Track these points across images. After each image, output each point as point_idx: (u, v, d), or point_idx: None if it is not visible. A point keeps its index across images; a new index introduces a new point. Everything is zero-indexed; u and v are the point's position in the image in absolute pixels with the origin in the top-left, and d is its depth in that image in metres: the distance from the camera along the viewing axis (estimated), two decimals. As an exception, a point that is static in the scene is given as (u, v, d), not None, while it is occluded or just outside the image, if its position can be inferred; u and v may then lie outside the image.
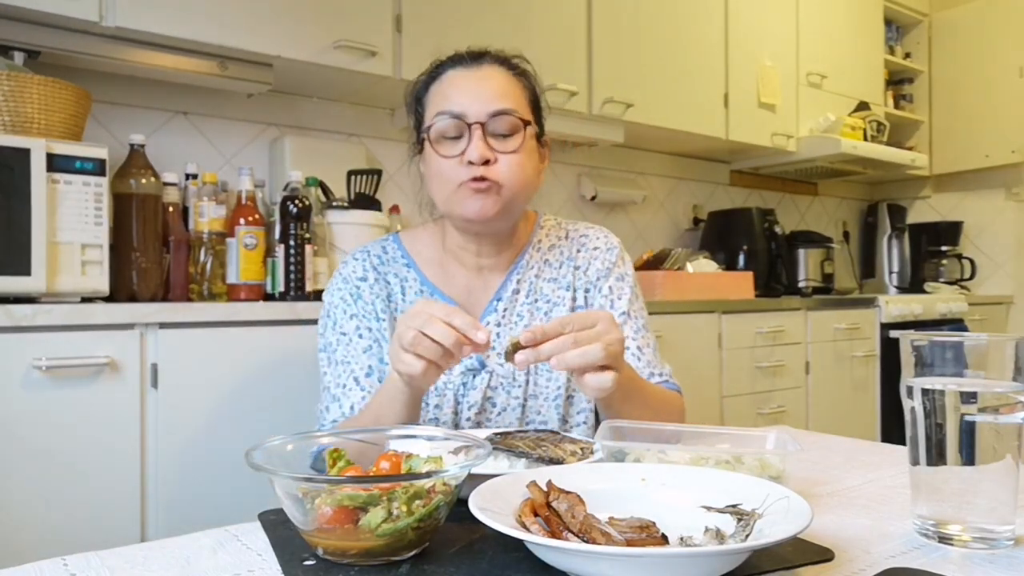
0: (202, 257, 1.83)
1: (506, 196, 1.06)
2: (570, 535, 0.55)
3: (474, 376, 1.11)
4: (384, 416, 0.93)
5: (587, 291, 1.19)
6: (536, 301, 1.16)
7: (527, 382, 1.12)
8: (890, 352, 3.16)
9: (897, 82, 4.07)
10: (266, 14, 1.86)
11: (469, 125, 1.05)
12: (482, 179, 1.04)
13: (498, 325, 1.14)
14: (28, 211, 1.43)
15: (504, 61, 1.12)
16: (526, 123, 1.08)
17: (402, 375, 0.86)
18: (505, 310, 1.15)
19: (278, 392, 1.62)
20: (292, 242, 1.86)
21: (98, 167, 1.53)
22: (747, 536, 0.56)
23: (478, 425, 1.10)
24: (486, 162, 1.04)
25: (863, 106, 3.56)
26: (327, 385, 1.12)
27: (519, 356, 0.81)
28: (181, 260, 1.79)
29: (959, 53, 3.95)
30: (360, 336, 1.12)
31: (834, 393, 3.01)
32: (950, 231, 4.01)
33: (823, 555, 0.59)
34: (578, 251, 1.21)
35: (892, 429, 3.19)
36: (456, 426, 1.10)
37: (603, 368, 0.83)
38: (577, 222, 1.26)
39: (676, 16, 2.81)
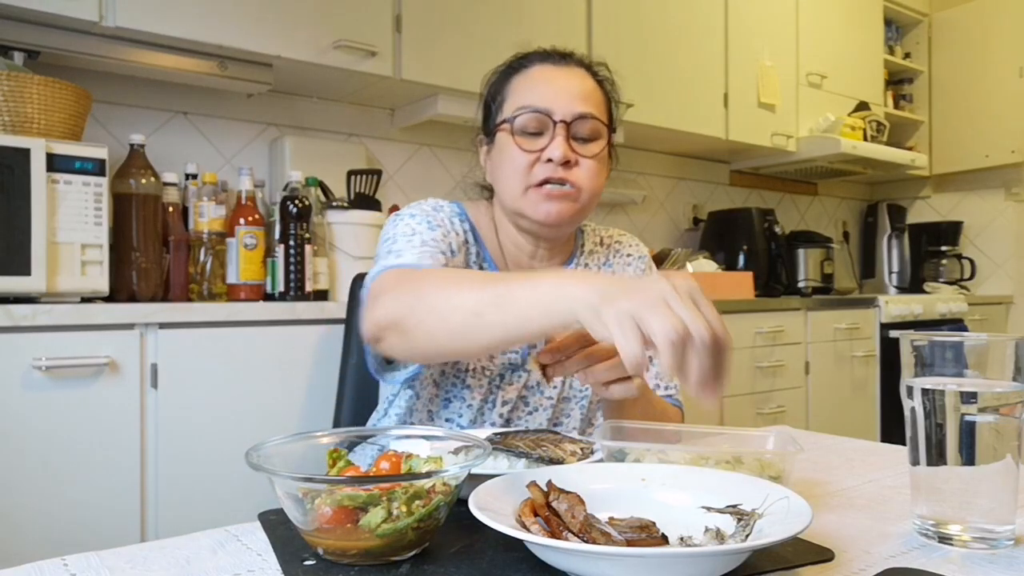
0: (202, 257, 1.83)
1: (581, 203, 1.05)
2: (570, 535, 0.55)
3: (513, 371, 1.09)
4: (513, 300, 0.72)
5: None
6: None
7: (563, 383, 1.12)
8: (890, 352, 3.16)
9: (897, 82, 4.07)
10: (266, 14, 1.86)
11: (554, 123, 1.03)
12: (561, 181, 1.02)
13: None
14: (28, 211, 1.43)
15: (588, 66, 1.11)
16: (609, 130, 1.08)
17: (603, 327, 0.63)
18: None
19: (278, 392, 1.63)
20: (292, 242, 1.86)
21: (98, 167, 1.53)
22: (747, 536, 0.56)
23: (508, 423, 1.09)
24: (565, 163, 1.02)
25: (863, 106, 3.56)
26: (391, 250, 1.00)
27: (549, 371, 0.82)
28: (181, 260, 1.79)
29: (959, 53, 3.95)
30: (435, 240, 1.02)
31: (834, 393, 3.01)
32: (950, 231, 4.01)
33: (823, 555, 0.58)
34: (613, 256, 1.22)
35: (892, 429, 3.19)
36: (481, 415, 1.09)
37: (628, 377, 0.82)
38: (609, 228, 1.26)
39: (676, 16, 2.81)
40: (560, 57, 1.10)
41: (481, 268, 1.11)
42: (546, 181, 1.02)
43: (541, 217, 1.04)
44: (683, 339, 0.58)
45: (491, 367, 1.08)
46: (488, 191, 1.16)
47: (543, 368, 0.82)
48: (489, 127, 1.12)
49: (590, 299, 0.65)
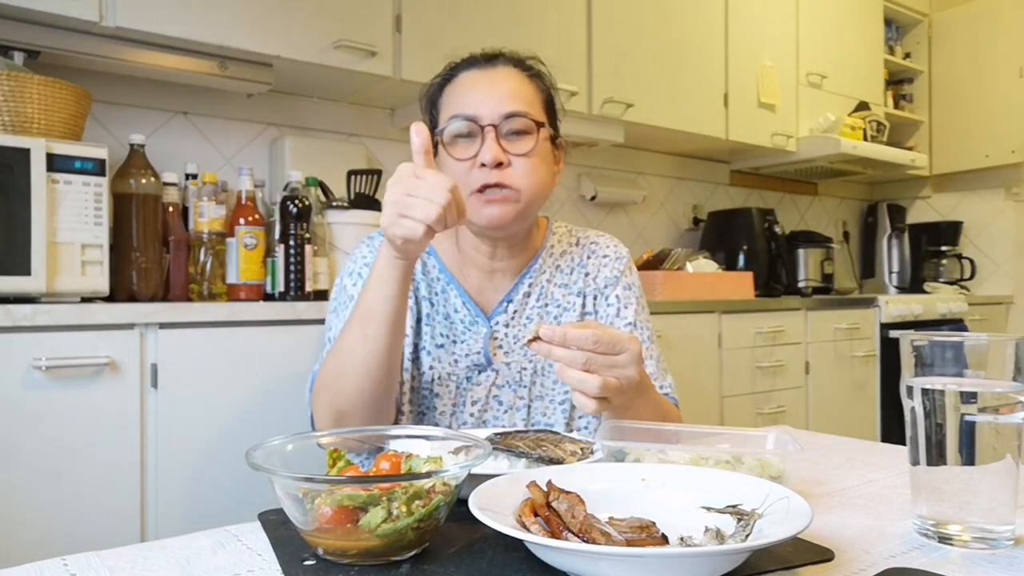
0: (202, 257, 1.83)
1: (522, 201, 1.06)
2: (570, 535, 0.55)
3: (479, 372, 1.11)
4: (375, 300, 0.92)
5: (595, 298, 1.19)
6: (547, 305, 1.17)
7: (532, 384, 1.12)
8: (890, 352, 3.16)
9: (897, 82, 4.08)
10: (266, 14, 1.86)
11: (482, 127, 1.04)
12: (497, 186, 1.04)
13: (506, 326, 1.14)
14: (28, 211, 1.43)
15: (518, 62, 1.12)
16: (539, 124, 1.08)
17: (396, 239, 0.86)
18: (515, 312, 1.15)
19: (278, 392, 1.62)
20: (292, 242, 1.86)
21: (98, 167, 1.53)
22: (747, 536, 0.56)
23: (483, 423, 1.10)
24: (499, 165, 1.04)
25: (863, 106, 3.56)
26: (331, 337, 1.12)
27: (534, 346, 0.82)
28: (181, 260, 1.79)
29: (959, 53, 3.95)
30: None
31: (834, 393, 3.01)
32: (950, 231, 4.01)
33: (823, 555, 0.59)
34: (588, 258, 1.21)
35: (892, 429, 3.19)
36: (455, 419, 1.10)
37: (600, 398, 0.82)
38: (587, 230, 1.27)
39: (676, 16, 2.81)
40: (487, 60, 1.11)
41: (437, 279, 1.15)
42: (484, 187, 1.04)
43: (484, 222, 1.07)
44: (405, 198, 0.84)
45: (456, 372, 1.10)
46: None
47: (535, 336, 0.82)
48: (432, 141, 1.13)
49: (388, 250, 0.90)
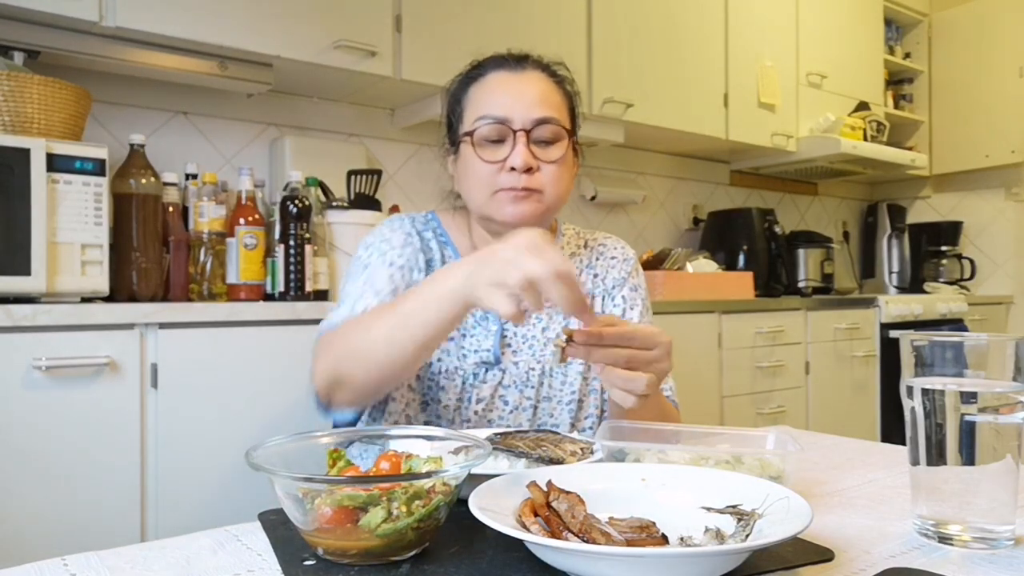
0: (202, 257, 1.83)
1: (546, 204, 1.07)
2: (570, 535, 0.55)
3: (487, 370, 1.10)
4: (416, 317, 0.83)
5: (603, 299, 1.20)
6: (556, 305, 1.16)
7: (540, 384, 1.12)
8: (890, 352, 3.16)
9: (897, 82, 4.08)
10: (266, 14, 1.86)
11: (514, 131, 1.04)
12: (526, 189, 1.04)
13: (517, 325, 1.14)
14: (28, 211, 1.43)
15: (545, 67, 1.12)
16: (569, 132, 1.09)
17: (480, 301, 0.76)
18: (525, 311, 1.14)
19: (278, 392, 1.63)
20: (292, 242, 1.86)
21: (98, 167, 1.53)
22: (747, 536, 0.56)
23: (488, 422, 1.10)
24: (528, 169, 1.04)
25: (863, 106, 3.56)
26: (343, 298, 1.09)
27: (569, 350, 0.78)
28: (181, 260, 1.79)
29: (959, 53, 3.95)
30: (400, 269, 1.09)
31: (834, 393, 3.01)
32: (950, 231, 4.01)
33: (823, 555, 0.59)
34: (597, 259, 1.22)
35: (892, 429, 3.19)
36: (458, 414, 1.10)
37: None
38: (595, 232, 1.27)
39: (676, 16, 2.81)
40: (515, 62, 1.11)
41: None
42: (511, 189, 1.04)
43: (507, 219, 1.06)
44: (533, 283, 0.70)
45: (463, 367, 1.09)
46: (458, 198, 1.17)
47: (568, 341, 0.77)
48: (452, 138, 1.14)
49: (463, 286, 0.77)
